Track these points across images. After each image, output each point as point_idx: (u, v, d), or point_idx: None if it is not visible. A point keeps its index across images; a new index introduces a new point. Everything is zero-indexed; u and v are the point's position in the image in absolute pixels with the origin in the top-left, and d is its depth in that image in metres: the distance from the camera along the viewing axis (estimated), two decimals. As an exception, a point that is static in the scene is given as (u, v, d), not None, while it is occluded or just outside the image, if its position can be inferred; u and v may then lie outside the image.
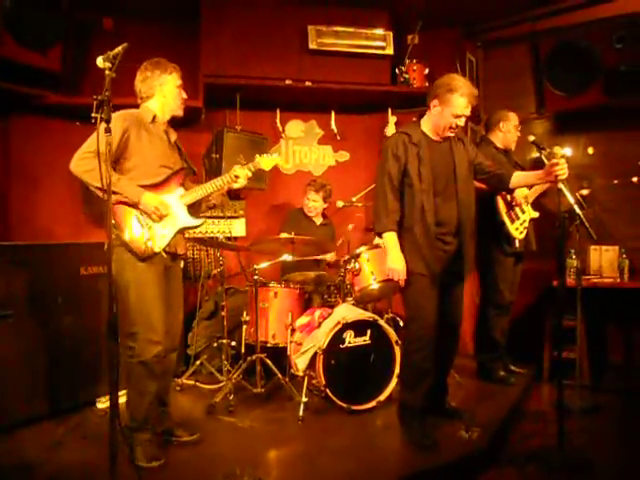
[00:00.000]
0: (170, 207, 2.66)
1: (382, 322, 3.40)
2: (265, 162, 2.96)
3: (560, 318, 3.18)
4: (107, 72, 2.01)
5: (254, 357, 3.47)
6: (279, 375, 3.46)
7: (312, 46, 4.32)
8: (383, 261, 3.09)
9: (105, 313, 2.02)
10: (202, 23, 4.24)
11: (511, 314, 3.92)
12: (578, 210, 2.73)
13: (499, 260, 3.76)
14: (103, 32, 4.25)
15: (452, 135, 2.85)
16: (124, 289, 2.54)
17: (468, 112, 2.77)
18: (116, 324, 2.04)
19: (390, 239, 2.79)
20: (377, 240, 3.55)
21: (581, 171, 4.27)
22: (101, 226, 3.62)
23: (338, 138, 4.99)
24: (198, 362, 3.91)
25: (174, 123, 2.86)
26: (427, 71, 4.63)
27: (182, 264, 3.02)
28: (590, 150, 4.36)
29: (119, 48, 2.03)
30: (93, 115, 1.97)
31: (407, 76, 4.56)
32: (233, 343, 3.87)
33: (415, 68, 4.59)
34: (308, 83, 4.39)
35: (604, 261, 4.20)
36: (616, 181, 4.20)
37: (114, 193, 2.43)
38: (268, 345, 3.64)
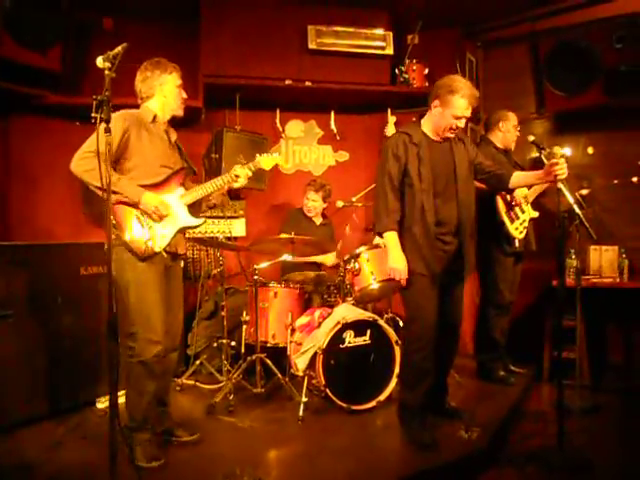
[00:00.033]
0: (170, 207, 2.66)
1: (382, 322, 3.40)
2: (266, 161, 2.96)
3: (560, 318, 3.18)
4: (107, 72, 2.00)
5: (254, 357, 3.47)
6: (279, 375, 3.46)
7: (312, 46, 4.32)
8: (383, 261, 3.09)
9: (105, 313, 2.02)
10: (202, 23, 4.24)
11: (511, 314, 3.92)
12: (578, 210, 2.73)
13: (499, 260, 3.76)
14: (103, 32, 4.26)
15: (452, 136, 2.85)
16: (124, 289, 2.54)
17: (468, 114, 2.78)
18: (116, 324, 2.04)
19: (391, 239, 2.79)
20: (377, 240, 3.56)
21: (581, 171, 4.27)
22: (101, 226, 3.62)
23: (338, 138, 4.99)
24: (198, 362, 3.91)
25: (174, 123, 2.86)
26: (427, 71, 4.63)
27: (182, 264, 3.02)
28: (590, 150, 4.36)
29: (119, 48, 2.03)
30: (93, 115, 1.97)
31: (407, 76, 4.55)
32: (233, 343, 3.87)
33: (415, 68, 4.59)
34: (308, 83, 4.39)
35: (604, 261, 4.20)
36: (616, 181, 4.21)
37: (114, 193, 2.44)
38: (268, 345, 3.64)
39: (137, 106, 2.75)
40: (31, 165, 4.06)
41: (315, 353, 3.27)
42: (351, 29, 4.39)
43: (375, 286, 3.33)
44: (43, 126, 4.09)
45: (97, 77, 2.14)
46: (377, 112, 4.94)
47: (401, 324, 4.00)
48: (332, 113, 4.92)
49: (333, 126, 4.94)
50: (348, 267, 3.50)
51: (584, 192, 3.95)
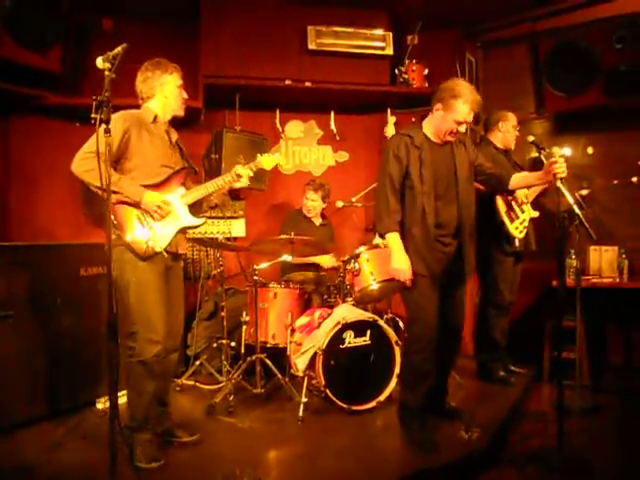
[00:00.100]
0: (172, 204, 2.66)
1: (382, 322, 3.40)
2: (266, 161, 2.96)
3: (560, 318, 3.18)
4: (107, 73, 2.01)
5: (254, 357, 3.47)
6: (279, 375, 3.46)
7: (312, 46, 4.32)
8: (383, 261, 3.09)
9: (105, 314, 2.02)
10: (202, 23, 4.24)
11: (511, 314, 3.92)
12: (578, 210, 2.73)
13: (499, 260, 3.76)
14: (103, 33, 4.25)
15: (452, 140, 2.85)
16: (124, 289, 2.54)
17: (470, 119, 2.78)
18: (116, 325, 2.04)
19: (393, 240, 2.79)
20: (376, 240, 3.56)
21: (581, 171, 4.28)
22: (101, 226, 3.61)
23: (337, 138, 4.99)
24: (198, 363, 3.91)
25: (174, 123, 2.86)
26: (427, 71, 4.64)
27: (182, 264, 3.02)
28: (590, 150, 4.37)
29: (119, 49, 2.03)
30: (93, 116, 1.97)
31: (407, 76, 4.56)
32: (233, 344, 3.87)
33: (415, 68, 4.59)
34: (308, 83, 4.39)
35: (604, 261, 4.20)
36: (616, 181, 4.21)
37: (115, 193, 2.45)
38: (268, 345, 3.64)
39: (137, 106, 2.76)
40: (31, 166, 4.06)
41: (315, 353, 3.27)
42: (351, 29, 4.39)
43: (375, 286, 3.33)
44: (43, 127, 4.09)
45: (97, 78, 2.14)
46: (377, 112, 4.94)
47: (401, 324, 4.00)
48: (332, 113, 4.92)
49: (333, 126, 4.94)
50: (348, 267, 3.51)
51: (584, 192, 3.95)
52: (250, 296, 3.76)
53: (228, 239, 4.21)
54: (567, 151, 4.49)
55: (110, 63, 2.01)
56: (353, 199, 4.29)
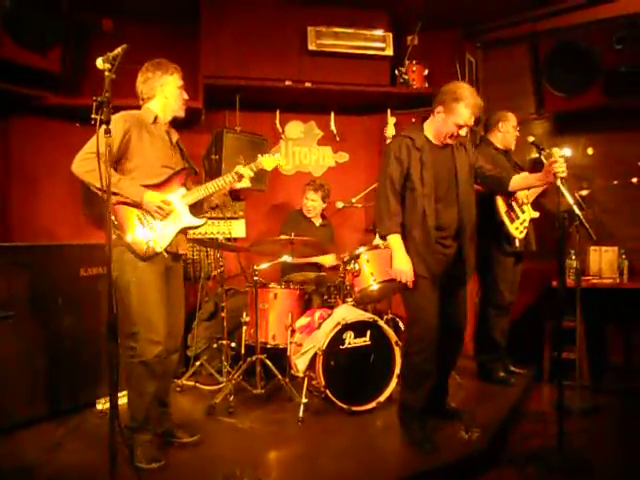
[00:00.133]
0: (172, 205, 2.66)
1: (382, 323, 3.40)
2: (267, 162, 2.96)
3: (560, 319, 3.18)
4: (107, 73, 2.01)
5: (254, 358, 3.47)
6: (279, 376, 3.45)
7: (311, 47, 4.32)
8: (382, 262, 3.09)
9: (105, 314, 2.02)
10: (202, 24, 4.24)
11: (511, 314, 3.92)
12: (578, 211, 2.73)
13: (499, 260, 3.76)
14: (103, 33, 4.25)
15: (453, 143, 2.85)
16: (125, 289, 2.54)
17: (471, 122, 2.78)
18: (116, 325, 2.04)
19: (395, 241, 2.79)
20: (376, 241, 3.57)
21: (581, 172, 4.28)
22: (102, 227, 3.62)
23: (337, 139, 5.00)
24: (198, 363, 3.90)
25: (174, 124, 2.86)
26: (427, 72, 4.64)
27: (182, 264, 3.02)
28: (590, 151, 4.37)
29: (119, 49, 2.03)
30: (93, 116, 1.97)
31: (407, 77, 4.56)
32: (233, 344, 3.87)
33: (415, 69, 4.59)
34: (308, 84, 4.39)
35: (604, 262, 4.20)
36: (616, 182, 4.21)
37: (115, 194, 2.45)
38: (268, 346, 3.64)
39: (138, 107, 2.76)
40: (31, 166, 4.06)
41: (315, 354, 3.27)
42: (351, 30, 4.39)
43: (375, 287, 3.33)
44: (43, 127, 4.10)
45: (97, 78, 2.14)
46: (377, 113, 4.94)
47: (401, 325, 4.00)
48: (332, 114, 4.92)
49: (333, 127, 4.94)
50: (348, 268, 3.51)
51: (584, 193, 3.95)
52: (250, 297, 3.76)
53: (228, 240, 4.21)
54: (567, 151, 4.49)
55: (110, 64, 2.01)
56: (353, 200, 4.29)
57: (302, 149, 5.03)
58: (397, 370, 3.32)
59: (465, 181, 2.89)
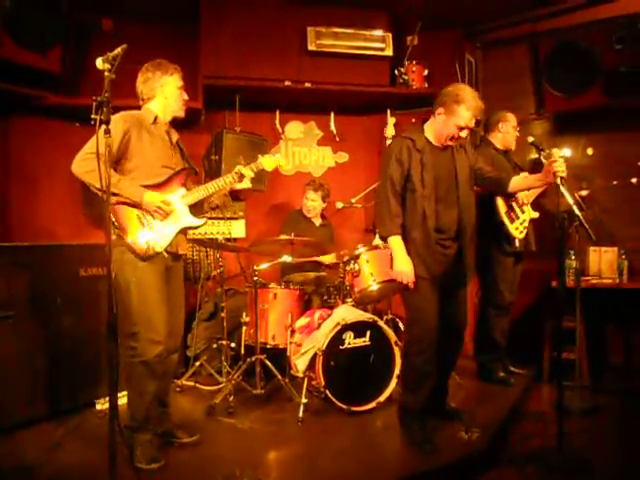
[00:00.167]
0: (172, 205, 2.66)
1: (381, 323, 3.40)
2: (267, 162, 2.96)
3: (560, 319, 3.18)
4: (106, 73, 2.01)
5: (254, 358, 3.47)
6: (279, 376, 3.45)
7: (311, 47, 4.32)
8: (382, 262, 3.09)
9: (105, 314, 2.02)
10: (202, 24, 4.25)
11: (511, 315, 3.92)
12: (577, 211, 2.73)
13: (499, 260, 3.76)
14: (103, 33, 4.26)
15: (453, 144, 2.85)
16: (125, 289, 2.54)
17: (472, 125, 2.78)
18: (116, 325, 2.04)
19: (396, 243, 2.79)
20: (376, 241, 3.57)
21: (580, 172, 4.28)
22: (101, 227, 3.61)
23: (337, 139, 5.00)
24: (198, 363, 3.90)
25: (174, 124, 2.86)
26: (426, 72, 4.64)
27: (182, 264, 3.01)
28: (589, 151, 4.37)
29: (118, 49, 2.03)
30: (93, 116, 1.97)
31: (406, 77, 4.56)
32: (233, 344, 3.87)
33: (414, 69, 4.59)
34: (307, 84, 4.39)
35: (603, 262, 4.20)
36: (615, 182, 4.21)
37: (115, 194, 2.45)
38: (268, 346, 3.64)
39: (137, 107, 2.76)
40: (31, 166, 4.06)
41: (315, 354, 3.27)
42: (350, 30, 4.39)
43: (375, 287, 3.33)
44: (43, 127, 4.10)
45: (97, 78, 2.14)
46: (377, 113, 4.94)
47: (401, 325, 4.00)
48: (332, 114, 4.92)
49: (333, 127, 4.95)
50: (347, 268, 3.51)
51: (583, 193, 3.95)
52: (250, 297, 3.76)
53: (228, 240, 4.21)
54: (567, 152, 4.49)
55: (110, 64, 2.01)
56: (353, 200, 4.29)
57: (302, 149, 5.03)
58: (397, 370, 3.32)
59: (465, 183, 2.89)
